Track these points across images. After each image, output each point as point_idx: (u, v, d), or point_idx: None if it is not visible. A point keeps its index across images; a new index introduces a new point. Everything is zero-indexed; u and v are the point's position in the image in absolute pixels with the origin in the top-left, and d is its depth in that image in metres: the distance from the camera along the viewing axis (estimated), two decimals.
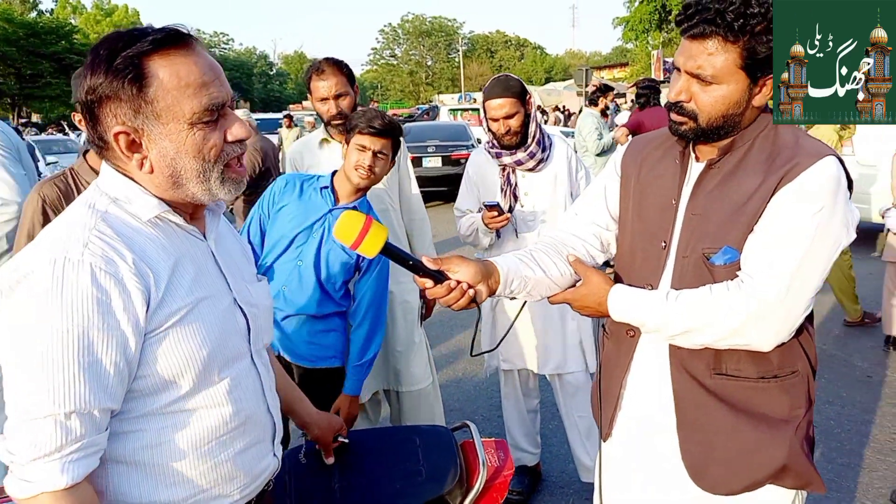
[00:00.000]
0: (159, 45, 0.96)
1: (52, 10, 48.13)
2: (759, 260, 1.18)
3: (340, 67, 2.40)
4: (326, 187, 2.07)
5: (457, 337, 4.65)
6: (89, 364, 0.90)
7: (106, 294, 0.91)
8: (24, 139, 9.65)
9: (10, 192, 2.16)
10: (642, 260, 1.36)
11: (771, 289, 1.16)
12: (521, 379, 2.69)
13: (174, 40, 0.97)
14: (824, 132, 4.54)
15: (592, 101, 6.75)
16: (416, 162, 10.62)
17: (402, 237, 2.60)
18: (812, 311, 1.29)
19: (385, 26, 71.74)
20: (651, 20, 35.70)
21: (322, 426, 1.54)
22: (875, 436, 3.10)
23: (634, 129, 5.87)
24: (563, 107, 24.30)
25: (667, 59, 27.44)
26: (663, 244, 1.32)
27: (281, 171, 6.45)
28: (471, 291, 1.24)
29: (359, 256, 2.03)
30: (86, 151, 2.01)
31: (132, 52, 0.95)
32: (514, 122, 2.35)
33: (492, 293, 1.30)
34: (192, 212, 1.09)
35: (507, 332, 1.64)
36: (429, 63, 70.18)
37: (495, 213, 2.31)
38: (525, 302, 1.43)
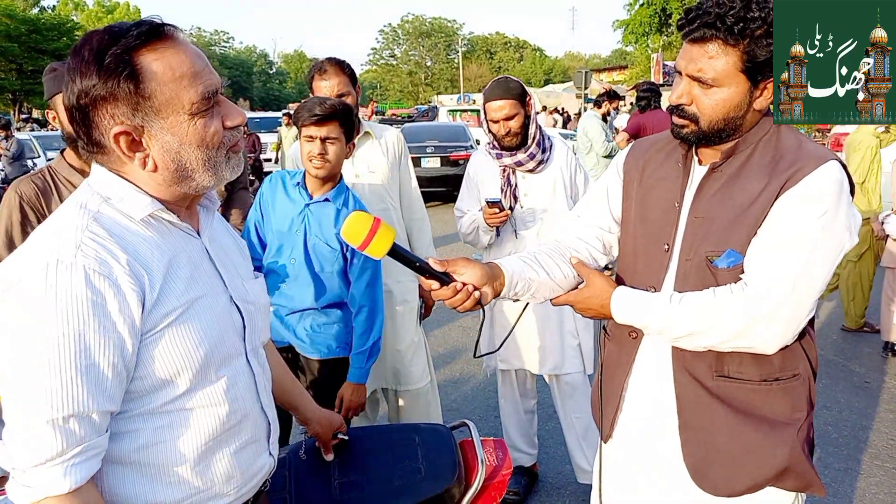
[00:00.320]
0: (146, 39, 0.94)
1: (54, 6, 48.03)
2: (762, 263, 1.19)
3: (343, 67, 2.41)
4: (300, 183, 2.09)
5: (455, 337, 4.66)
6: (86, 367, 0.89)
7: (101, 296, 0.90)
8: (12, 136, 9.58)
9: None
10: (645, 262, 1.37)
11: (774, 292, 1.17)
12: (518, 379, 2.70)
13: (158, 33, 0.96)
14: (863, 135, 4.44)
15: (597, 104, 6.78)
16: (415, 162, 10.60)
17: (403, 236, 2.61)
18: (813, 315, 1.30)
19: (385, 26, 71.79)
20: (651, 23, 35.74)
21: (322, 423, 1.54)
22: (872, 441, 3.12)
23: (635, 133, 5.90)
24: (563, 109, 24.31)
25: (667, 63, 27.49)
26: (666, 247, 1.32)
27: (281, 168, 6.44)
28: (476, 293, 1.25)
29: (344, 245, 2.04)
30: (63, 149, 2.00)
31: (120, 48, 0.93)
32: (514, 124, 2.37)
33: (497, 295, 1.31)
34: (186, 206, 1.08)
35: (509, 333, 1.64)
36: (428, 64, 70.17)
37: (496, 210, 2.33)
38: (527, 304, 1.43)
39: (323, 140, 1.99)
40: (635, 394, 1.41)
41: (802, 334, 1.28)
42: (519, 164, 2.44)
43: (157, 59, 0.95)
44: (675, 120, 1.28)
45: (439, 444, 1.61)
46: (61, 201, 1.83)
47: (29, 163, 9.88)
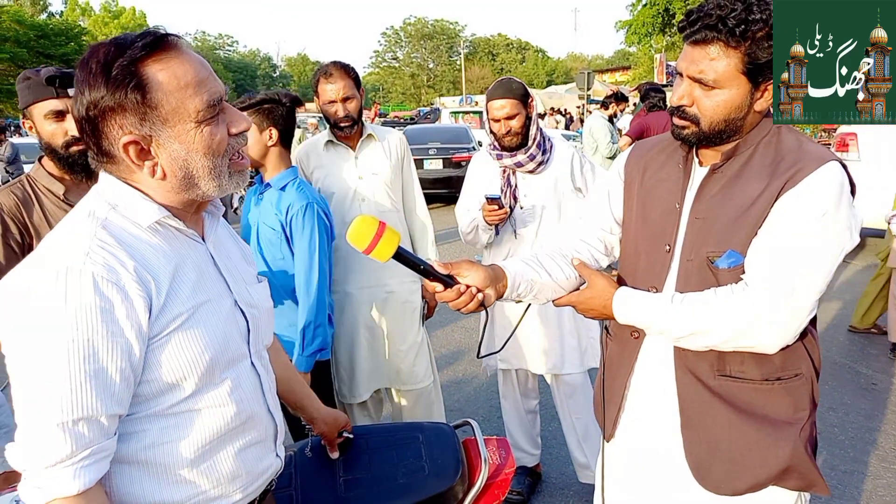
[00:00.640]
0: (151, 50, 0.96)
1: (61, 12, 48.31)
2: (763, 264, 1.19)
3: (348, 71, 2.43)
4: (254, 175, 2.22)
5: (458, 338, 4.67)
6: (95, 372, 0.91)
7: (109, 302, 0.91)
8: (6, 140, 9.51)
9: None
10: (646, 263, 1.38)
11: (775, 292, 1.17)
12: (519, 379, 2.71)
13: (163, 43, 0.98)
14: None
15: (604, 105, 6.80)
16: (418, 164, 10.64)
17: (406, 238, 2.63)
18: (816, 315, 1.30)
19: (387, 29, 72.07)
20: (654, 24, 35.69)
21: (328, 422, 1.56)
22: (879, 443, 3.11)
23: (638, 135, 5.90)
24: (565, 110, 24.31)
25: (670, 63, 27.46)
26: (667, 247, 1.33)
27: None
28: (479, 295, 1.26)
29: (283, 224, 2.11)
30: (41, 157, 1.96)
31: (126, 60, 0.95)
32: (515, 124, 2.39)
33: (499, 297, 1.32)
34: (193, 212, 1.10)
35: (511, 334, 1.66)
36: (430, 66, 70.27)
37: (495, 207, 2.34)
38: (529, 305, 1.45)
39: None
40: (637, 393, 1.42)
41: (805, 334, 1.29)
42: (519, 164, 2.45)
43: (163, 70, 0.97)
44: (676, 121, 1.29)
45: (443, 443, 1.63)
46: (42, 210, 1.83)
47: (25, 167, 9.88)
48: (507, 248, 2.52)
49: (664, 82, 24.22)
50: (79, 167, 1.87)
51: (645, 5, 35.82)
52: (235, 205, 10.36)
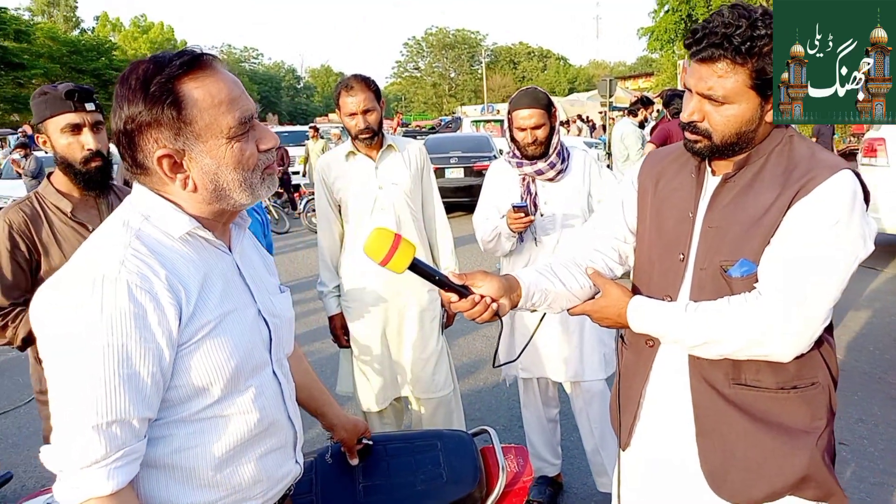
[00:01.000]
0: (188, 68, 1.00)
1: (93, 28, 49.69)
2: (776, 272, 1.19)
3: (368, 84, 2.47)
4: None
5: (479, 347, 4.68)
6: (128, 376, 0.94)
7: (142, 309, 0.95)
8: (31, 154, 9.63)
9: None
10: (661, 272, 1.38)
11: (788, 301, 1.17)
12: (540, 388, 2.71)
13: (199, 62, 1.02)
14: None
15: (632, 112, 6.76)
16: (439, 173, 10.70)
17: (425, 247, 2.66)
18: (832, 323, 1.30)
19: (409, 39, 72.68)
20: (677, 30, 35.35)
21: (348, 428, 1.58)
22: None
23: (662, 142, 5.86)
24: (587, 117, 24.23)
25: None
26: (681, 256, 1.34)
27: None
28: (494, 305, 1.28)
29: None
30: (50, 174, 1.97)
31: (164, 77, 0.99)
32: (541, 133, 2.41)
33: (514, 306, 1.33)
34: (223, 223, 1.13)
35: (528, 343, 1.67)
36: (452, 75, 70.60)
37: (521, 214, 2.36)
38: (544, 315, 1.46)
39: None
40: (653, 401, 1.42)
41: (821, 342, 1.28)
42: (539, 172, 2.47)
43: (198, 87, 1.01)
44: (688, 136, 1.29)
45: (461, 450, 1.64)
46: (50, 228, 1.85)
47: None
48: (528, 255, 2.53)
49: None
50: (94, 183, 1.89)
51: (667, 12, 35.56)
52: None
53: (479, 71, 66.61)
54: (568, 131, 21.55)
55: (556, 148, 2.47)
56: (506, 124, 2.54)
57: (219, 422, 1.07)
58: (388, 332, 2.58)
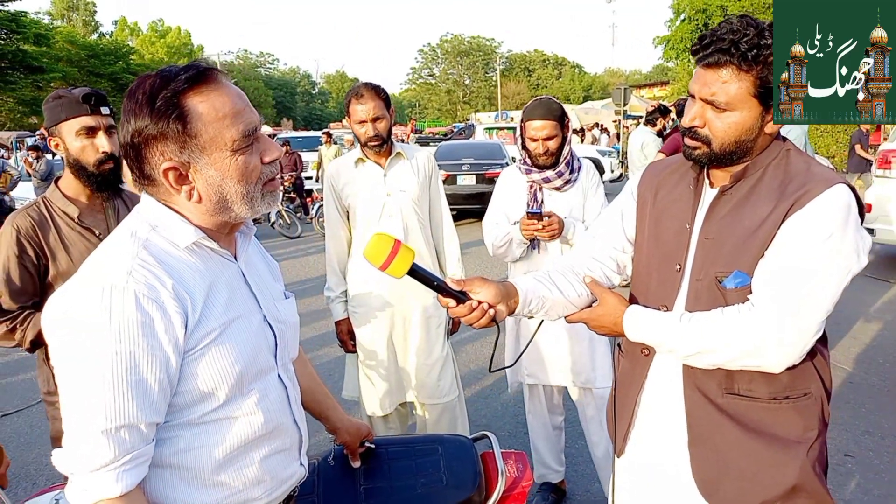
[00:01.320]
0: (193, 83, 1.03)
1: (111, 32, 50.43)
2: (769, 285, 1.21)
3: (378, 92, 2.51)
4: None
5: (486, 353, 4.69)
6: (136, 383, 0.97)
7: (149, 318, 0.98)
8: (43, 156, 9.68)
9: None
10: (658, 282, 1.40)
11: (780, 313, 1.19)
12: (545, 395, 2.73)
13: (204, 76, 1.05)
14: None
15: (650, 121, 6.75)
16: (451, 180, 10.71)
17: (432, 254, 2.69)
18: (825, 335, 1.31)
19: (424, 46, 73.06)
20: (692, 39, 35.27)
21: (350, 432, 1.61)
22: None
23: (673, 151, 5.83)
24: (602, 126, 24.20)
25: None
26: (678, 267, 1.36)
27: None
28: (491, 311, 1.30)
29: None
30: (57, 179, 1.99)
31: (169, 92, 1.02)
32: (553, 144, 2.45)
33: (511, 312, 1.35)
34: (227, 233, 1.16)
35: (525, 349, 1.71)
36: (466, 82, 70.83)
37: (534, 221, 2.39)
38: (542, 321, 1.48)
39: None
40: (647, 409, 1.44)
41: (814, 354, 1.30)
42: (547, 180, 2.50)
43: (203, 101, 1.04)
44: (688, 142, 1.31)
45: (462, 455, 1.66)
46: (58, 233, 1.88)
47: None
48: (534, 262, 2.56)
49: None
50: (106, 184, 1.92)
51: (683, 20, 35.48)
52: (273, 219, 10.62)
53: (494, 78, 66.74)
54: (582, 140, 21.52)
55: (565, 158, 2.50)
56: (518, 132, 2.57)
57: (224, 424, 1.10)
58: (394, 338, 2.61)
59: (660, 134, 6.73)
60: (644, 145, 6.42)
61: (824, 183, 1.21)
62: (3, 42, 27.93)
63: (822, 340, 1.30)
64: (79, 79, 31.85)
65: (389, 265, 1.22)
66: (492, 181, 10.46)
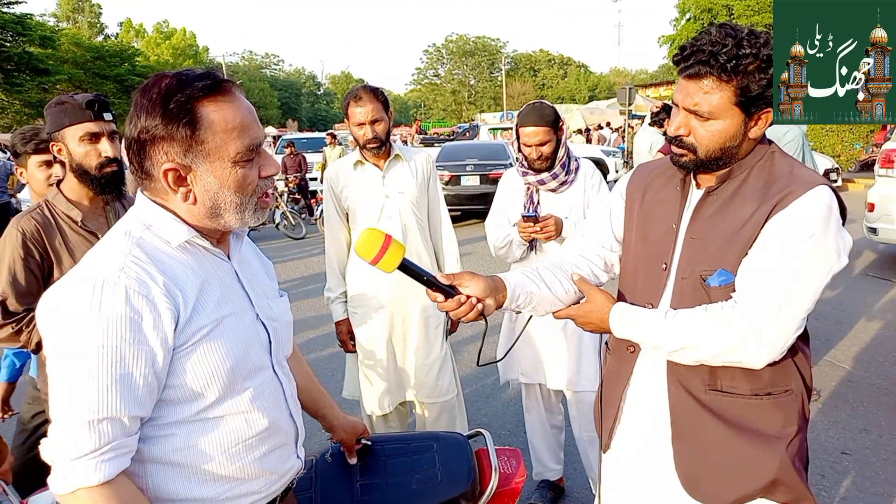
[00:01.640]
0: (209, 92, 1.06)
1: (117, 34, 50.65)
2: (751, 283, 1.24)
3: (376, 95, 2.54)
4: None
5: (488, 353, 4.69)
6: (121, 377, 0.99)
7: (138, 314, 1.00)
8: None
9: None
10: (644, 280, 1.43)
11: (762, 311, 1.22)
12: (543, 394, 2.76)
13: (220, 87, 1.08)
14: None
15: (656, 122, 6.76)
16: (455, 180, 10.74)
17: (431, 255, 2.72)
18: (807, 333, 1.34)
19: (429, 46, 73.06)
20: None
21: (347, 429, 1.64)
22: None
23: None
24: (608, 123, 24.16)
25: None
26: (664, 266, 1.39)
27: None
28: (479, 305, 1.33)
29: None
30: (59, 182, 2.02)
31: (184, 97, 1.04)
32: (546, 149, 2.47)
33: (499, 307, 1.39)
34: (219, 236, 1.19)
35: (512, 346, 1.76)
36: (472, 82, 70.83)
37: (530, 224, 2.43)
38: (530, 317, 1.51)
39: None
40: (632, 405, 1.47)
41: (795, 352, 1.33)
42: (542, 182, 2.54)
43: (215, 111, 1.07)
44: (675, 150, 1.35)
45: (456, 452, 1.69)
46: (62, 236, 1.91)
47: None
48: (534, 263, 2.58)
49: None
50: (109, 187, 1.96)
51: (688, 20, 35.42)
52: (278, 220, 10.67)
53: (499, 78, 66.68)
54: (588, 140, 21.48)
55: (561, 160, 2.53)
56: (514, 135, 2.60)
57: (219, 422, 1.13)
58: (394, 338, 2.64)
59: (665, 134, 6.72)
60: (653, 146, 6.43)
61: (806, 185, 1.24)
62: (9, 44, 28.08)
63: (804, 338, 1.33)
64: (84, 80, 31.98)
65: (380, 259, 1.25)
66: (496, 182, 10.40)
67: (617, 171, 14.97)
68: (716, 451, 1.33)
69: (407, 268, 1.28)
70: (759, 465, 1.30)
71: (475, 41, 70.72)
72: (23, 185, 9.96)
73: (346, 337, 2.70)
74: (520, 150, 2.55)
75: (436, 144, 17.99)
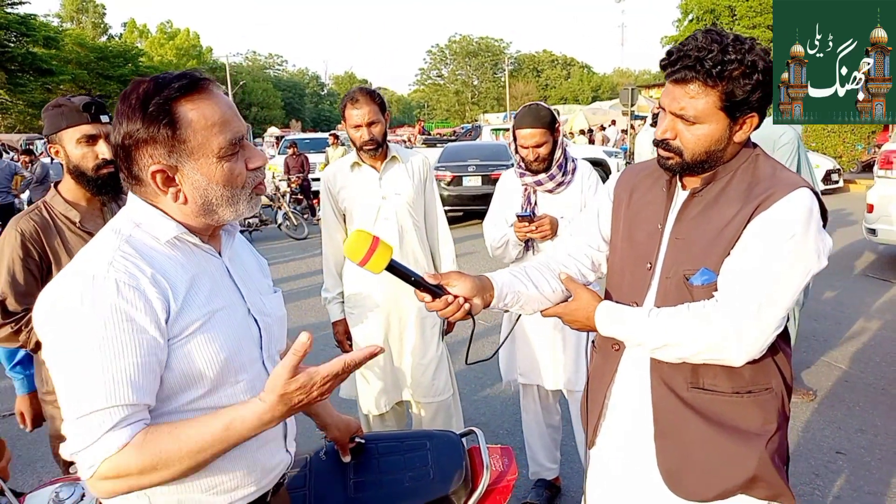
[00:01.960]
0: (185, 91, 1.08)
1: (120, 34, 50.78)
2: (733, 282, 1.27)
3: (373, 97, 2.56)
4: None
5: (486, 353, 4.72)
6: (124, 367, 1.01)
7: (130, 304, 1.02)
8: (37, 160, 9.66)
9: None
10: (630, 280, 1.46)
11: (743, 310, 1.24)
12: (540, 394, 2.78)
13: (197, 86, 1.09)
14: None
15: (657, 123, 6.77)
16: (457, 181, 10.76)
17: (427, 256, 2.74)
18: (788, 332, 1.36)
19: (433, 47, 73.18)
20: None
21: (340, 428, 1.67)
22: None
23: None
24: (614, 122, 24.16)
25: None
26: (649, 265, 1.42)
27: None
28: (466, 305, 1.35)
29: None
30: (57, 183, 2.03)
31: (162, 99, 1.06)
32: (543, 151, 2.50)
33: (486, 306, 1.41)
34: (210, 233, 1.21)
35: (501, 344, 1.80)
36: (475, 82, 70.87)
37: (526, 223, 2.45)
38: (518, 316, 1.54)
39: None
40: (617, 402, 1.50)
41: (776, 351, 1.35)
42: (538, 183, 2.56)
43: (193, 109, 1.09)
44: (661, 153, 1.37)
45: (449, 450, 1.71)
46: (60, 237, 1.93)
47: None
48: (527, 262, 2.61)
49: None
50: (108, 188, 1.98)
51: (691, 21, 35.40)
52: (280, 221, 10.72)
53: (503, 79, 66.73)
54: (591, 140, 21.47)
55: (558, 161, 2.55)
56: (511, 137, 2.63)
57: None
58: (390, 338, 2.67)
59: None
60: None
61: (788, 187, 1.26)
62: (13, 45, 28.21)
63: (785, 337, 1.35)
64: (88, 81, 32.11)
65: (368, 261, 1.26)
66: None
67: (619, 172, 14.89)
68: (697, 448, 1.36)
69: (395, 268, 1.30)
70: (739, 461, 1.33)
71: (478, 42, 70.77)
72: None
73: (342, 337, 2.73)
74: (517, 152, 2.58)
75: (438, 145, 18.01)
